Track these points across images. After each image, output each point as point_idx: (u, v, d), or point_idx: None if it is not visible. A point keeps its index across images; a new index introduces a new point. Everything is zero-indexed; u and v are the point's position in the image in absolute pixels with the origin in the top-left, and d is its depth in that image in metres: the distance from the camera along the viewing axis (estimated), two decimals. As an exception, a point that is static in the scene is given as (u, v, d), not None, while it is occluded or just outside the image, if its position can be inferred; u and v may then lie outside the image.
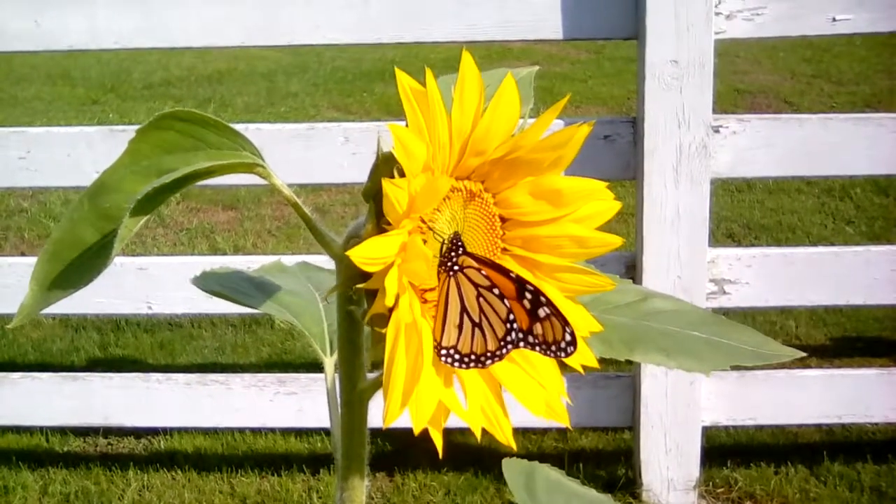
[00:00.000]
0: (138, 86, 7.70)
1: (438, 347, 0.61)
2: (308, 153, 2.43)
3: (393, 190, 0.57)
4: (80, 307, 2.64)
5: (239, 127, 2.47)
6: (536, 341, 0.62)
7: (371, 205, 0.61)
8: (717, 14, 2.27)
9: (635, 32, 2.32)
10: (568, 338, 0.61)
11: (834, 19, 2.29)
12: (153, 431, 2.93)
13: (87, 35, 2.40)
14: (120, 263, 2.56)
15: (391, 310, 0.58)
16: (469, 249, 0.63)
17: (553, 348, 0.62)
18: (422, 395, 0.59)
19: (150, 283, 2.56)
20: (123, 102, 7.18)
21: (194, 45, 2.45)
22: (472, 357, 0.61)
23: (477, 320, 0.61)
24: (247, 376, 2.69)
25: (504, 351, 0.62)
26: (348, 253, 0.56)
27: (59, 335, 3.64)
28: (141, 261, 2.64)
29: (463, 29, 2.35)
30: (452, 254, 0.62)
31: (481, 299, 0.62)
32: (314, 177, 2.53)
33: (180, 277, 2.51)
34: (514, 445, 0.61)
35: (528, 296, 0.62)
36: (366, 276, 0.59)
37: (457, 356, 0.61)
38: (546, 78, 7.10)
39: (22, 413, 2.73)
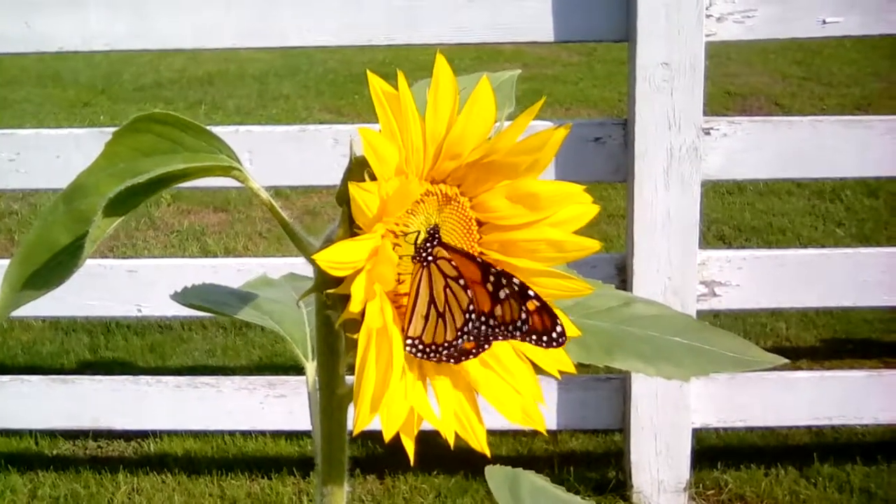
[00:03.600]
0: (129, 88, 7.68)
1: (405, 338, 0.61)
2: (299, 155, 2.42)
3: (361, 194, 0.56)
4: (70, 309, 2.63)
5: (230, 129, 2.47)
6: (496, 323, 0.62)
7: (344, 209, 0.60)
8: (707, 16, 2.27)
9: (626, 35, 2.32)
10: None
11: (824, 22, 2.29)
12: (143, 434, 2.92)
13: (78, 37, 2.39)
14: (110, 266, 2.56)
15: (362, 315, 0.58)
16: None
17: (510, 328, 0.62)
18: (392, 401, 0.58)
19: (140, 285, 2.55)
20: (114, 104, 7.16)
21: (185, 48, 2.45)
22: (433, 347, 0.61)
23: (441, 310, 0.61)
24: (237, 379, 2.68)
25: (459, 341, 0.62)
26: (314, 256, 0.56)
27: (48, 338, 3.63)
28: (131, 263, 2.63)
29: (453, 31, 2.35)
30: (427, 244, 0.62)
31: (448, 290, 0.61)
32: (305, 179, 2.52)
33: (171, 280, 2.50)
34: (487, 451, 0.60)
35: (492, 278, 0.62)
36: (339, 280, 0.58)
37: (420, 346, 0.61)
38: (537, 80, 7.10)
39: (11, 416, 2.72)
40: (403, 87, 0.56)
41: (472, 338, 0.62)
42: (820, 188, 4.82)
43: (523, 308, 0.61)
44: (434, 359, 0.62)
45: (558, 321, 0.61)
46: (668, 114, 2.30)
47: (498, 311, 0.62)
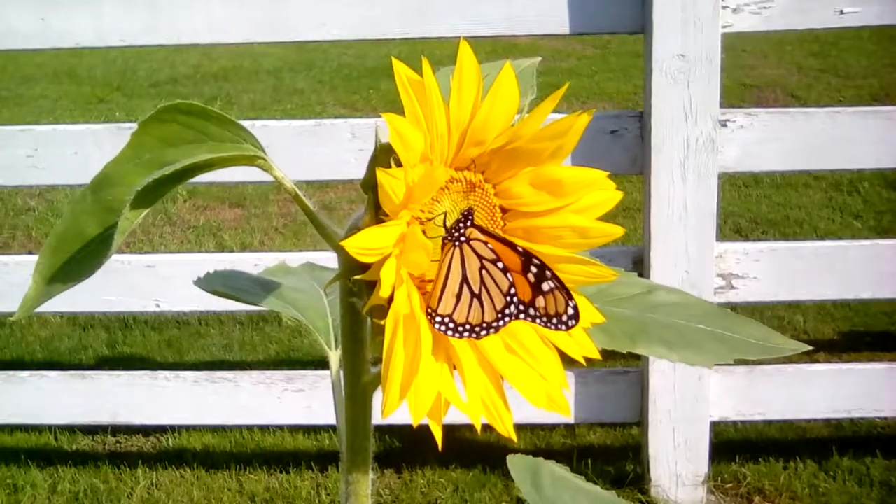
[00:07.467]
0: (144, 84, 7.71)
1: (433, 315, 0.61)
2: (314, 150, 2.43)
3: (388, 180, 0.57)
4: (88, 305, 2.65)
5: (245, 124, 2.47)
6: (538, 314, 0.62)
7: (370, 195, 0.61)
8: (724, 8, 2.26)
9: (642, 27, 2.32)
10: (570, 311, 0.62)
11: (841, 12, 2.28)
12: (161, 429, 2.94)
13: (93, 33, 2.40)
14: (128, 261, 2.57)
15: (389, 301, 0.58)
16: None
17: (554, 321, 0.62)
18: (420, 386, 0.58)
19: (157, 281, 2.56)
20: (130, 100, 7.19)
21: (200, 43, 2.46)
22: (467, 327, 0.61)
23: (477, 291, 0.61)
24: (255, 374, 2.69)
25: (501, 323, 0.62)
26: (343, 243, 0.56)
27: (66, 333, 3.65)
28: (148, 259, 2.64)
29: (469, 24, 2.34)
30: (461, 225, 0.62)
31: (484, 271, 0.62)
32: (321, 174, 2.52)
33: (188, 275, 2.51)
34: (514, 437, 0.60)
35: (534, 269, 0.62)
36: (365, 267, 0.59)
37: (451, 325, 0.61)
38: (553, 74, 7.10)
39: (30, 412, 2.73)
40: (428, 73, 0.56)
41: (510, 320, 0.62)
42: (837, 180, 4.80)
43: (570, 303, 0.62)
44: (465, 337, 0.62)
45: (571, 303, 0.62)
46: (685, 106, 2.30)
47: (540, 302, 0.62)
